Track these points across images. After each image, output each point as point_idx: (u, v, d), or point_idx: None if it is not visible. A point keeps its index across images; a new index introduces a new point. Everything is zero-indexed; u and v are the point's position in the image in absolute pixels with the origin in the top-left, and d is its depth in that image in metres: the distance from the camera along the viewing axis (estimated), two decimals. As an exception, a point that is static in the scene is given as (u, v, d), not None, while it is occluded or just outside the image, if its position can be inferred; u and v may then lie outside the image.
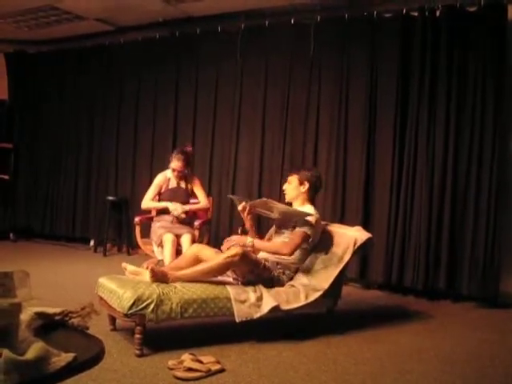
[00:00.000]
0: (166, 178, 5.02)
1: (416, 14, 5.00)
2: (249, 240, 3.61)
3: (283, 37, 5.75)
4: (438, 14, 4.91)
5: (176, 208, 4.81)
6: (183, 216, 4.84)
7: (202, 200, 5.02)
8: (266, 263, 3.61)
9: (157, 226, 4.82)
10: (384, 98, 5.19)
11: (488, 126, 4.74)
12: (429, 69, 4.94)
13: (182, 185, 5.01)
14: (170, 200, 4.90)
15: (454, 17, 4.84)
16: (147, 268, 3.09)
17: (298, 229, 3.68)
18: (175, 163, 4.91)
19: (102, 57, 7.09)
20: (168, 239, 4.57)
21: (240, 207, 3.77)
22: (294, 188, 3.83)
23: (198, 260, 3.55)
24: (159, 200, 4.99)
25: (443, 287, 4.84)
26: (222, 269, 3.38)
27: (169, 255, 4.45)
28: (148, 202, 4.98)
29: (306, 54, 5.61)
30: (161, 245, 4.63)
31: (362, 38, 5.32)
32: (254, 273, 3.49)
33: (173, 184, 5.00)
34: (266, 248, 3.68)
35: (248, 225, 3.82)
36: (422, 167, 4.98)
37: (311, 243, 3.75)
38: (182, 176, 4.99)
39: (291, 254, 3.63)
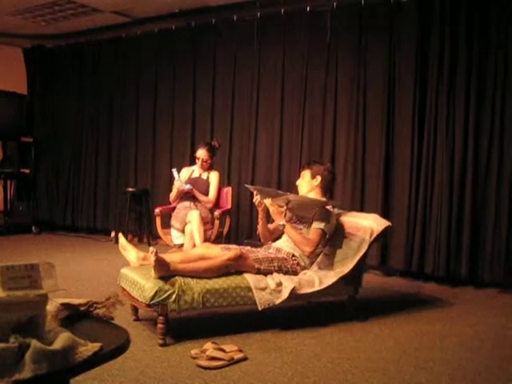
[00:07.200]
0: (190, 170, 5.26)
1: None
2: (282, 222, 3.64)
3: (299, 24, 5.71)
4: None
5: (176, 178, 4.98)
6: (186, 187, 4.95)
7: (210, 192, 5.13)
8: (279, 255, 3.62)
9: (178, 210, 5.04)
10: (402, 83, 5.12)
11: (510, 107, 4.64)
12: (448, 51, 4.84)
13: (204, 176, 5.19)
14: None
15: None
16: (152, 252, 3.06)
17: (314, 226, 3.67)
18: (200, 152, 5.13)
19: (119, 49, 7.13)
20: (188, 231, 4.75)
21: (254, 199, 3.77)
22: (307, 182, 3.86)
23: (203, 259, 3.47)
24: None
25: (465, 273, 4.79)
26: (220, 269, 3.32)
27: (188, 243, 4.69)
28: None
29: (322, 40, 5.57)
30: (184, 226, 4.80)
31: (378, 23, 5.25)
32: (262, 267, 3.48)
33: (195, 174, 5.20)
34: (294, 236, 3.63)
35: (260, 216, 3.81)
36: (441, 152, 4.91)
37: (327, 240, 3.77)
38: (207, 167, 5.16)
39: (312, 253, 3.64)
